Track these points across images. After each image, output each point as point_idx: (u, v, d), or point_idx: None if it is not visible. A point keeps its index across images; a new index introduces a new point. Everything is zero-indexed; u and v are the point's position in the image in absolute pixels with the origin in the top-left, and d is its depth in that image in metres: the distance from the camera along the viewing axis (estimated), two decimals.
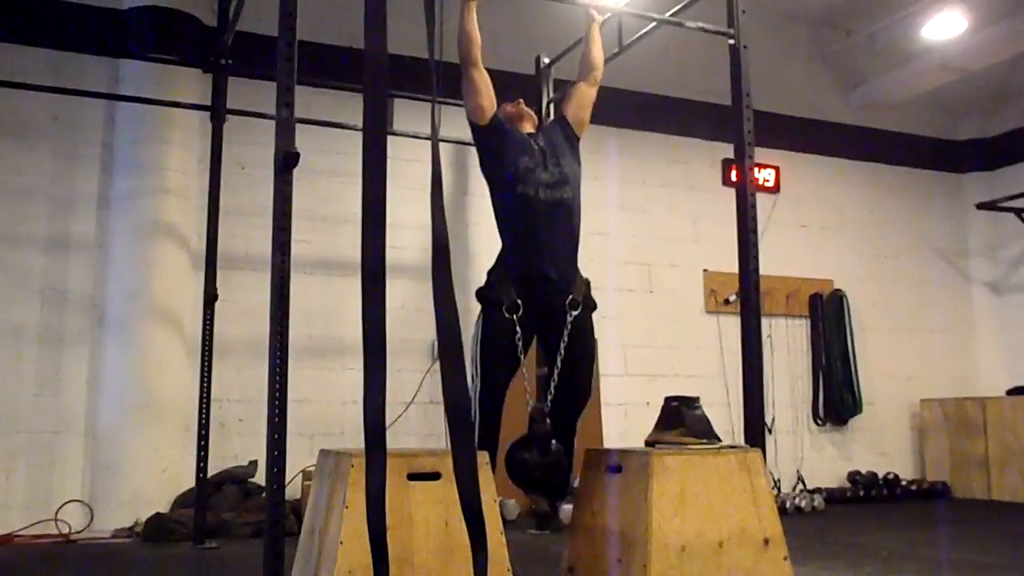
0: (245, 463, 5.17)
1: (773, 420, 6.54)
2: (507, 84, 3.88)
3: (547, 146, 3.41)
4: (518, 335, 3.18)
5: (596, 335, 3.56)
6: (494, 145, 3.39)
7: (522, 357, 3.20)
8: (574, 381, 3.31)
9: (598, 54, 3.67)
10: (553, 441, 3.12)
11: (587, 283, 3.40)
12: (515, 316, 3.19)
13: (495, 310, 3.24)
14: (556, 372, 3.23)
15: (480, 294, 3.35)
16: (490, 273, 3.37)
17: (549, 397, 3.22)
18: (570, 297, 3.28)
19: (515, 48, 5.73)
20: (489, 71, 3.41)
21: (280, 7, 2.81)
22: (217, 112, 4.76)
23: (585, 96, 3.62)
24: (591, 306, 3.40)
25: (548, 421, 3.10)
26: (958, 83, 7.27)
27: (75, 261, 5.15)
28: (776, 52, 6.94)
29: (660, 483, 2.72)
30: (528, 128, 3.50)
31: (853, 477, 6.88)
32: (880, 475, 6.85)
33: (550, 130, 3.58)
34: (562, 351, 3.23)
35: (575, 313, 3.27)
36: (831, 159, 7.52)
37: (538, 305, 3.25)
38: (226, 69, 4.77)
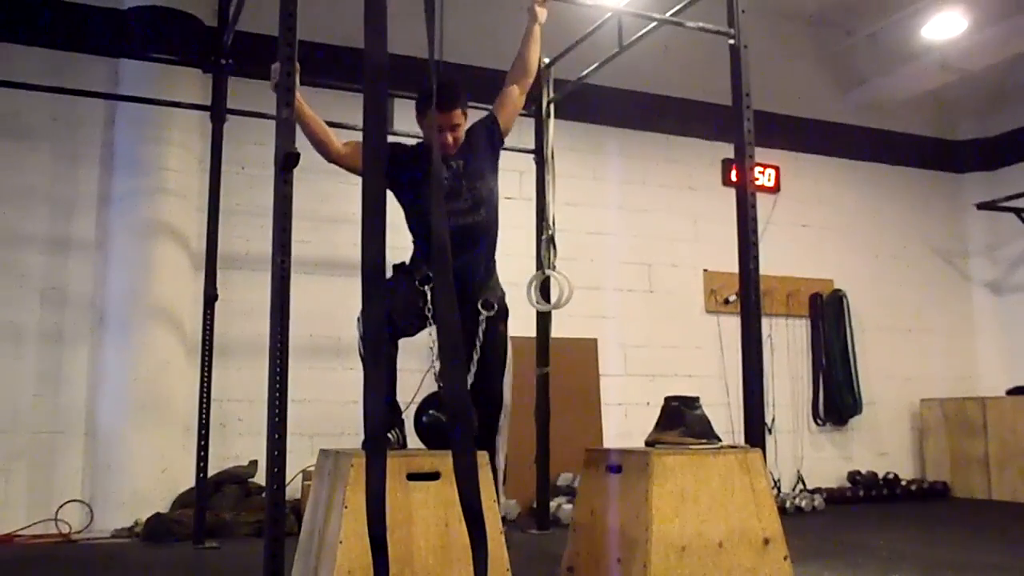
0: (245, 463, 5.18)
1: (773, 420, 6.55)
2: None
3: (465, 167, 3.20)
4: (428, 306, 2.95)
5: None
6: (394, 180, 3.10)
7: (430, 322, 2.93)
8: (484, 389, 3.08)
9: (534, 58, 3.53)
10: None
11: (503, 292, 3.27)
12: (427, 288, 2.94)
13: (407, 277, 3.06)
14: (473, 376, 3.02)
15: (394, 266, 3.12)
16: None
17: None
18: (483, 298, 3.14)
19: (515, 48, 5.72)
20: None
21: (280, 7, 2.81)
22: (217, 112, 4.76)
23: (518, 104, 3.46)
24: (503, 314, 3.23)
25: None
26: (958, 83, 7.27)
27: (75, 261, 5.15)
28: (776, 52, 6.93)
29: (660, 483, 2.72)
30: (448, 146, 3.15)
31: (853, 477, 6.88)
32: (880, 475, 6.86)
33: (476, 137, 3.29)
34: (476, 352, 3.05)
35: (488, 314, 3.12)
36: (831, 159, 7.53)
37: None
38: (226, 69, 4.78)
